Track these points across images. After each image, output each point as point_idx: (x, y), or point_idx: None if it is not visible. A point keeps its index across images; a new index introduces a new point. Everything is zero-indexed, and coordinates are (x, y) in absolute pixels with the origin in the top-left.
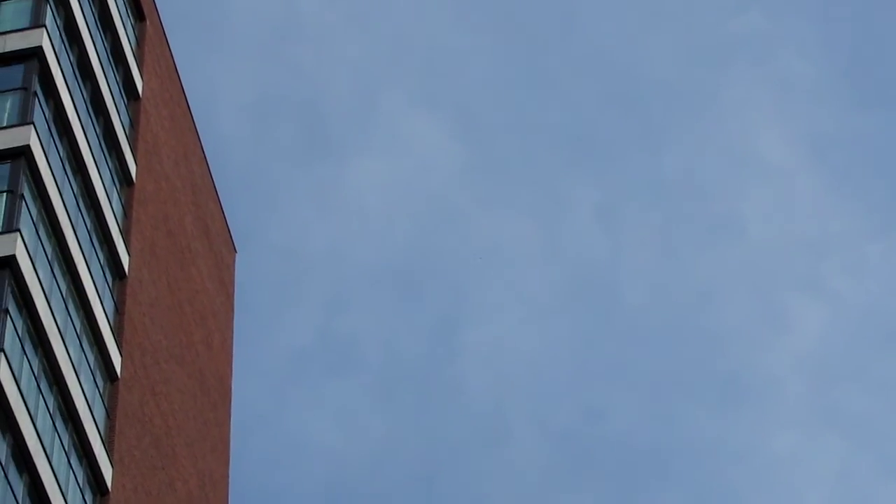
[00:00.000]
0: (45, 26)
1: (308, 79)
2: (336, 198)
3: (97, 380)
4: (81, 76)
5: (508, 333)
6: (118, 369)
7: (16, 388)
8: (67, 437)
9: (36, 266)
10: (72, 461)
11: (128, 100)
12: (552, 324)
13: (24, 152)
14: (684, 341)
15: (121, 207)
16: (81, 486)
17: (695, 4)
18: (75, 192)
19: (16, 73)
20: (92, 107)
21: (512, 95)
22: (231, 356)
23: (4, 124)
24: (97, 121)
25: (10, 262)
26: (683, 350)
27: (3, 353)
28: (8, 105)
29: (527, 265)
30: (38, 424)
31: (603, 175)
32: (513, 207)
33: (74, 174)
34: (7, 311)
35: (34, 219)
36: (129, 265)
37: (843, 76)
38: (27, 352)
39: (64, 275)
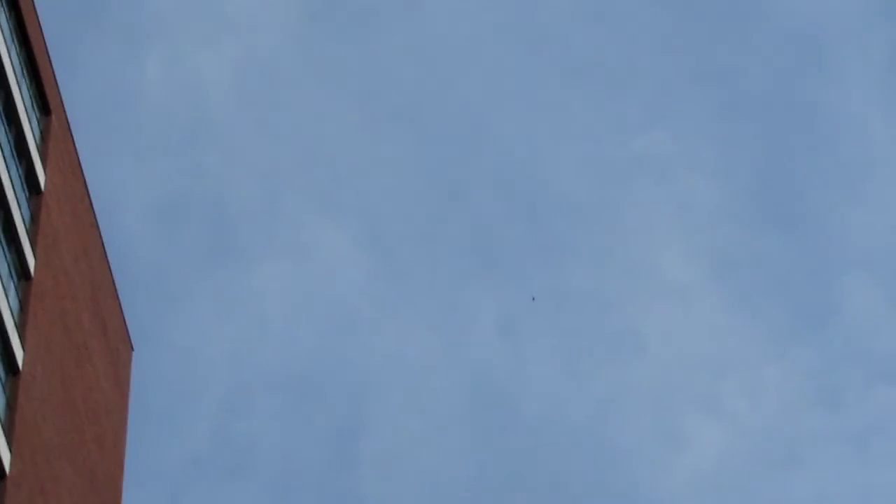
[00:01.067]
0: None
1: (214, 181)
2: (238, 301)
3: None
4: None
5: (408, 443)
6: (7, 466)
7: None
8: None
9: None
10: None
11: (29, 194)
12: (452, 435)
13: None
14: (582, 457)
15: (17, 302)
16: None
17: (600, 121)
18: None
19: None
20: None
21: (418, 205)
22: (123, 456)
23: None
24: None
25: None
26: (581, 465)
27: None
28: None
29: (428, 375)
30: None
31: (506, 287)
32: (415, 317)
33: None
34: None
35: None
36: (23, 360)
37: (745, 198)
38: None
39: None
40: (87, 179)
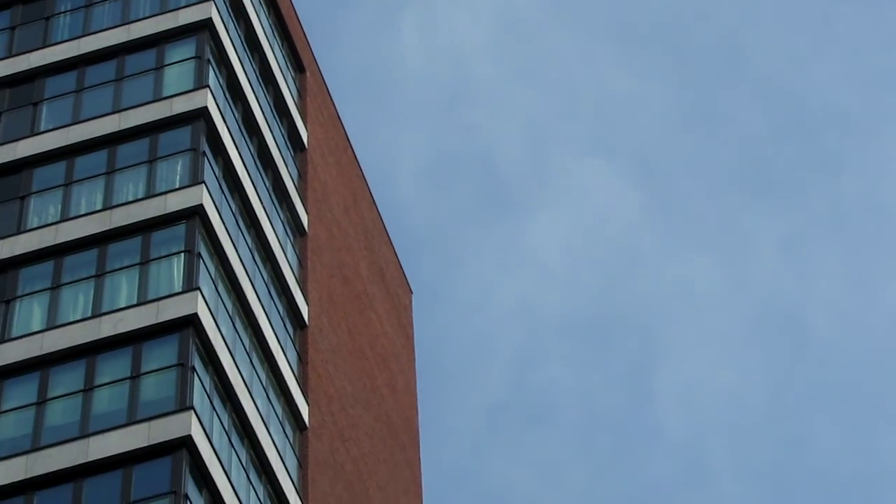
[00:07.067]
0: (208, 86)
1: (481, 137)
2: (518, 252)
3: (286, 430)
4: (247, 132)
5: (702, 372)
6: (306, 418)
7: (208, 443)
8: (262, 489)
9: (218, 322)
10: None
11: (294, 151)
12: (745, 360)
13: (197, 212)
14: (879, 368)
15: (295, 258)
16: None
17: (860, 34)
18: (250, 246)
19: (184, 134)
20: (260, 161)
21: (685, 135)
22: (415, 397)
23: (177, 185)
24: (266, 174)
25: (192, 321)
26: (880, 376)
27: (193, 411)
28: (179, 167)
29: (715, 303)
30: (232, 478)
31: (784, 207)
32: (696, 247)
33: (248, 228)
34: (193, 369)
35: (212, 276)
36: (308, 314)
37: None
38: (216, 407)
39: (245, 328)
40: (354, 143)
